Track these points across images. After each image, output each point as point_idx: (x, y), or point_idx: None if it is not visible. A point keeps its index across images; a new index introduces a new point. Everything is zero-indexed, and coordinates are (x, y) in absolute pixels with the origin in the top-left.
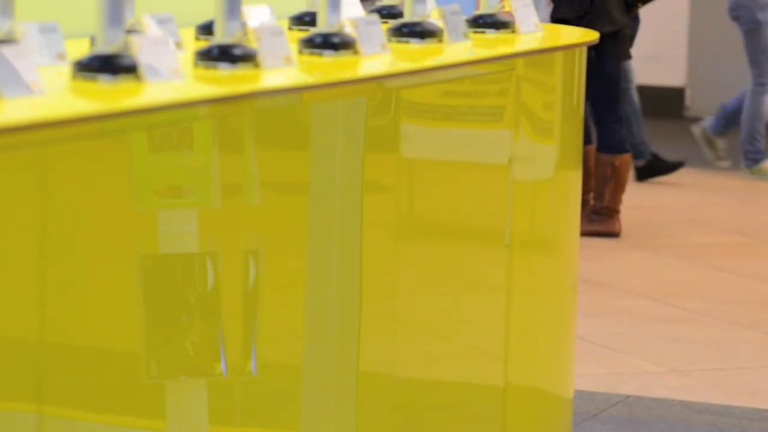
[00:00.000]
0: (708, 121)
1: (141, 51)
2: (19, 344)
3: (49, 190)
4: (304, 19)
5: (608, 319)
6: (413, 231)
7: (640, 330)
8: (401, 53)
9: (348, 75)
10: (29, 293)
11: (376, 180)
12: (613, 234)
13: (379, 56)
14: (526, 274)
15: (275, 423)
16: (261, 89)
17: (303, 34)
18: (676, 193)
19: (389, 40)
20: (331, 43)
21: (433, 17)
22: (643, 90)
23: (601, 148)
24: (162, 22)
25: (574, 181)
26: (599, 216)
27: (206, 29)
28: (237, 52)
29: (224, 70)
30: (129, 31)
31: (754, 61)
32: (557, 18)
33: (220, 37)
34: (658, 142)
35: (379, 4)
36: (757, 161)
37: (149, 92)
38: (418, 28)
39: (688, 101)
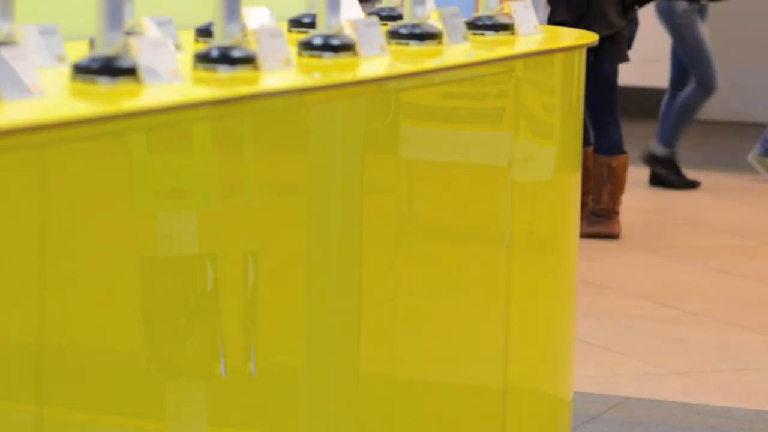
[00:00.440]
0: (756, 147)
1: (140, 53)
2: (19, 344)
3: (49, 192)
4: (304, 21)
5: (608, 320)
6: (413, 233)
7: (639, 331)
8: (401, 55)
9: (347, 77)
10: (29, 294)
11: (375, 181)
12: (613, 235)
13: (378, 58)
14: (526, 276)
15: (275, 423)
16: (260, 91)
17: (302, 36)
18: (676, 195)
19: (389, 42)
20: (331, 45)
21: (433, 19)
22: (643, 92)
23: (598, 150)
24: (161, 24)
25: (573, 183)
26: (599, 217)
27: (206, 31)
28: (236, 54)
29: (224, 72)
30: (128, 34)
31: None
32: (554, 21)
33: (219, 39)
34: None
35: (378, 6)
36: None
37: (149, 94)
38: (417, 30)
39: None
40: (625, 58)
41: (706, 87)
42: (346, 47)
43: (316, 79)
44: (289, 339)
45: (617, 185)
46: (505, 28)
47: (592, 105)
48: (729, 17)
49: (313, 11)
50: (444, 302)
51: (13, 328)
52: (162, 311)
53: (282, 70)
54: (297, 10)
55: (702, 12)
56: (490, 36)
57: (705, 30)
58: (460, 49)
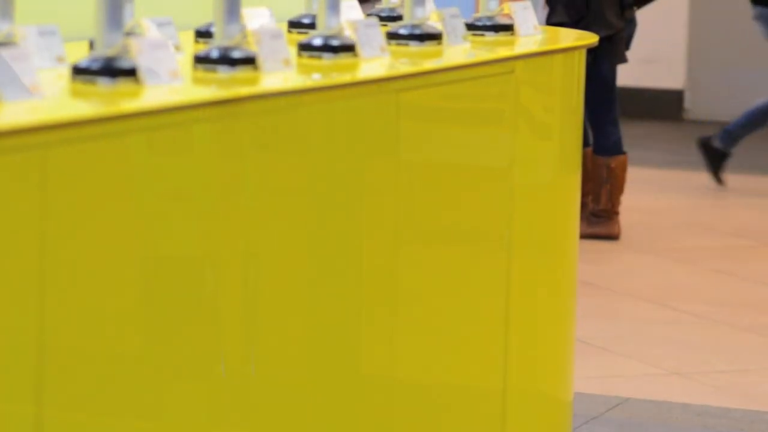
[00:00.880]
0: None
1: (140, 54)
2: (19, 344)
3: (49, 193)
4: (304, 22)
5: (608, 321)
6: (413, 233)
7: (639, 332)
8: (401, 56)
9: (347, 78)
10: (29, 294)
11: (375, 182)
12: (613, 236)
13: (378, 59)
14: (526, 277)
15: (275, 424)
16: (260, 92)
17: (302, 37)
18: (676, 196)
19: (388, 43)
20: (331, 45)
21: (433, 20)
22: (642, 93)
23: (597, 151)
24: (161, 25)
25: (573, 184)
26: (598, 218)
27: (205, 32)
28: (236, 54)
29: (223, 72)
30: (128, 34)
31: None
32: (553, 22)
33: (219, 40)
34: (657, 144)
35: (378, 6)
36: None
37: (148, 95)
38: (417, 31)
39: (687, 104)
40: (624, 59)
41: None
42: (346, 48)
43: (315, 80)
44: (289, 339)
45: (616, 186)
46: (505, 28)
47: (590, 106)
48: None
49: (312, 12)
50: (444, 303)
51: (13, 328)
52: (162, 311)
53: (282, 71)
54: (297, 10)
55: None
56: (489, 37)
57: None
58: (460, 50)
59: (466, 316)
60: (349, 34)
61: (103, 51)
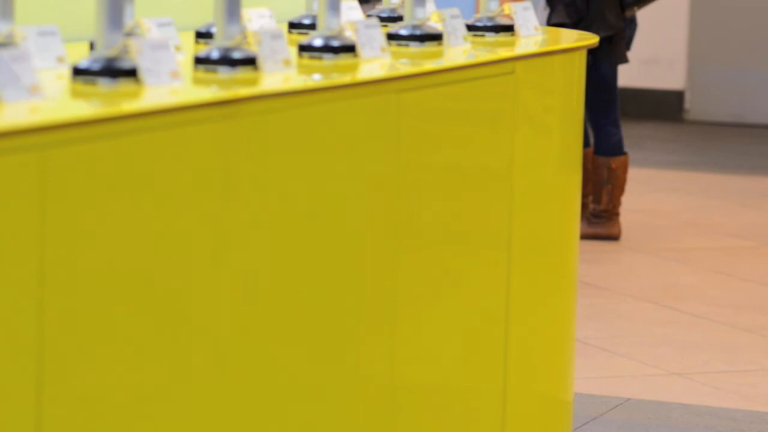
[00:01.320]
0: None
1: (141, 54)
2: (19, 344)
3: (49, 194)
4: (304, 23)
5: (608, 322)
6: (413, 234)
7: (639, 333)
8: (401, 57)
9: (348, 78)
10: (29, 295)
11: (376, 183)
12: (613, 237)
13: (378, 59)
14: (526, 277)
15: (275, 424)
16: (261, 93)
17: (303, 38)
18: (676, 196)
19: (389, 44)
20: (331, 46)
21: (433, 20)
22: (643, 93)
23: (598, 151)
24: (162, 25)
25: (573, 184)
26: (599, 219)
27: (206, 33)
28: (237, 55)
29: (224, 73)
30: (129, 35)
31: None
32: (553, 23)
33: (219, 41)
34: (658, 145)
35: (379, 7)
36: None
37: (149, 96)
38: (417, 32)
39: (687, 104)
40: (624, 60)
41: None
42: (347, 49)
43: (316, 80)
44: (289, 339)
45: (617, 186)
46: (506, 29)
47: (591, 106)
48: (729, 18)
49: (313, 13)
50: (444, 303)
51: (13, 328)
52: (162, 311)
53: (282, 72)
54: (297, 11)
55: None
56: (490, 37)
57: None
58: (461, 51)
59: (467, 316)
60: (349, 35)
61: (104, 51)
